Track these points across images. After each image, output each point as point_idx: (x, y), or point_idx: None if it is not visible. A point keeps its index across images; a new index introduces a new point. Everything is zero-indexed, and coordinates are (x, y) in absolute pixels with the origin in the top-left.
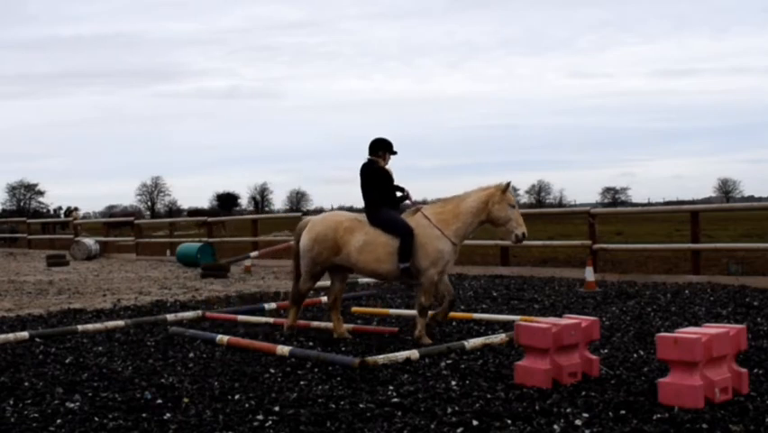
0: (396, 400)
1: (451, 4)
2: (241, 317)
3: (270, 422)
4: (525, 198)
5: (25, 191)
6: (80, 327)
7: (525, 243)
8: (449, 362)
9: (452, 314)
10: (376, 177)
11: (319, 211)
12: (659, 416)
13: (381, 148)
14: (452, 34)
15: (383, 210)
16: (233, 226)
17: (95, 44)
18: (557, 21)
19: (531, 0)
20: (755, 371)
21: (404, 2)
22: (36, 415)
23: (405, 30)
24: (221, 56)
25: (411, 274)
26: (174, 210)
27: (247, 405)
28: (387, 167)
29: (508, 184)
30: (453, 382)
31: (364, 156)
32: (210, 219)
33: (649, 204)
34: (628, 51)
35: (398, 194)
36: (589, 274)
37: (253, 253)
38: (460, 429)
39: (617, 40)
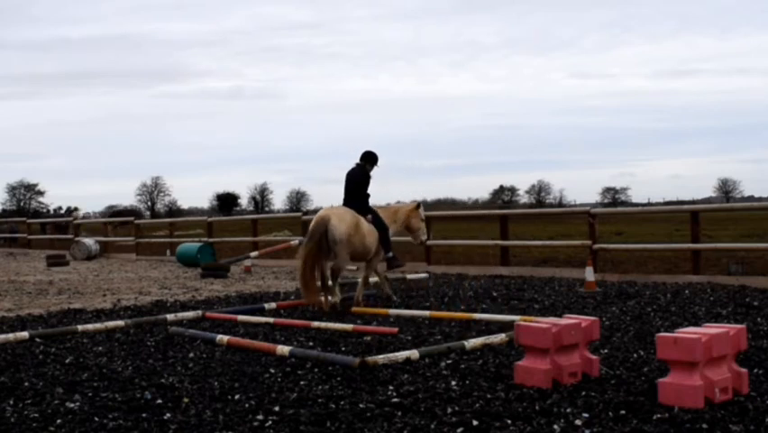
0: (396, 400)
1: (456, 4)
2: (241, 318)
3: (270, 422)
4: (525, 198)
5: (25, 191)
6: (80, 327)
7: (526, 243)
8: (449, 362)
9: (452, 314)
10: (368, 181)
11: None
12: (659, 416)
13: (371, 160)
14: (458, 35)
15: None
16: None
17: (98, 45)
18: (561, 21)
19: (535, 1)
20: (755, 371)
21: (409, 2)
22: (36, 415)
23: (410, 30)
24: (225, 57)
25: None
26: (174, 210)
27: (247, 405)
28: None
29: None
30: (453, 382)
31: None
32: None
33: (649, 204)
34: (631, 52)
35: None
36: (589, 274)
37: (253, 253)
38: (460, 429)
39: (620, 40)
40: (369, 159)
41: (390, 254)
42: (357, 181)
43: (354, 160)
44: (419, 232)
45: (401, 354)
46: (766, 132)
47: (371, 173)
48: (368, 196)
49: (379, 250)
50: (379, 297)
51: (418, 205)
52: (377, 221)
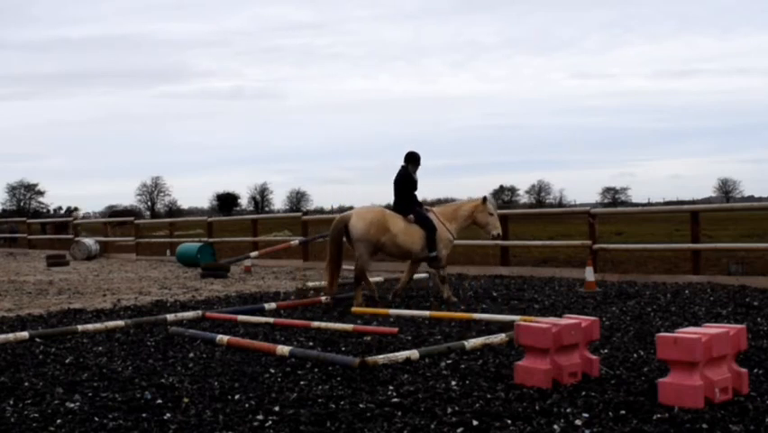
0: (396, 400)
1: (456, 4)
2: (241, 318)
3: (270, 422)
4: (525, 198)
5: (25, 191)
6: (80, 327)
7: (525, 243)
8: (449, 362)
9: (452, 314)
10: (411, 181)
11: (320, 211)
12: (659, 416)
13: (413, 161)
14: (458, 35)
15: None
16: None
17: (98, 45)
18: (561, 21)
19: (535, 1)
20: (755, 371)
21: (409, 2)
22: (36, 415)
23: (410, 30)
24: (225, 57)
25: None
26: (174, 210)
27: (247, 405)
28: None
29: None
30: (453, 382)
31: (364, 156)
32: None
33: (649, 204)
34: (631, 52)
35: None
36: (589, 274)
37: (253, 253)
38: (460, 429)
39: (620, 40)
40: (411, 159)
41: (433, 254)
42: (401, 183)
43: (356, 160)
44: (489, 226)
45: (401, 354)
46: (766, 132)
47: (416, 174)
48: (413, 196)
49: (423, 249)
50: (380, 297)
51: (484, 199)
52: (422, 220)
